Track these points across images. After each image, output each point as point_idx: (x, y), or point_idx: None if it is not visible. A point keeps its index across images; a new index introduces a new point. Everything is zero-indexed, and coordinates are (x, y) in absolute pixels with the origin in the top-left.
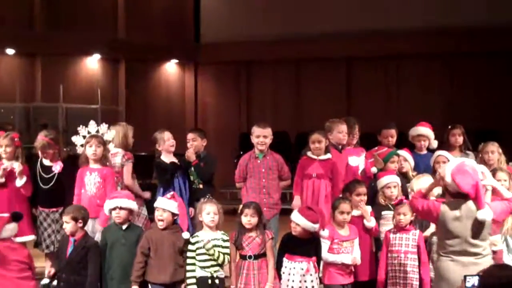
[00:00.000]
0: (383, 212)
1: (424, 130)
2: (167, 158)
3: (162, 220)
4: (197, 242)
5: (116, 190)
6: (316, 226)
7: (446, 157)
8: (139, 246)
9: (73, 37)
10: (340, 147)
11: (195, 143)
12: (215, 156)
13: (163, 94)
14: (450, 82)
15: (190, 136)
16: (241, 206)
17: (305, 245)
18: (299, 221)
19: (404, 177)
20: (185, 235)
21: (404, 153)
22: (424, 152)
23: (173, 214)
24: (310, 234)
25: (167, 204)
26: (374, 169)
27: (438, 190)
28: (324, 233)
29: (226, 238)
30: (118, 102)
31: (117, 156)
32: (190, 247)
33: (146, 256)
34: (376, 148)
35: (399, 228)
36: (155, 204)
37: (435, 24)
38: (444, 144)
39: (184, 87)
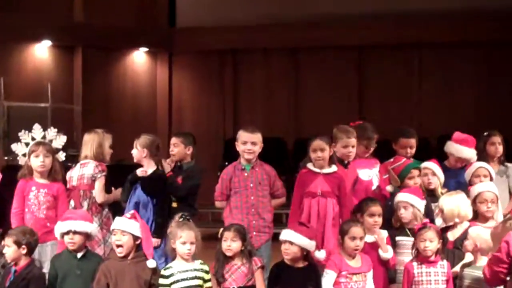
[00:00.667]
0: (397, 238)
1: (468, 153)
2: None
3: (121, 246)
4: (172, 275)
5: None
6: (313, 244)
7: (487, 170)
8: (94, 281)
9: (17, 19)
10: (346, 162)
11: (176, 150)
12: (201, 169)
13: (130, 90)
14: (483, 76)
15: (172, 141)
16: (220, 229)
17: (300, 275)
18: (293, 239)
19: (432, 195)
20: (151, 263)
21: (432, 165)
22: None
23: (135, 238)
24: (305, 261)
25: (126, 225)
26: (389, 188)
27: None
28: (320, 254)
29: (206, 268)
30: (73, 99)
31: (88, 166)
32: (162, 281)
33: None
34: (392, 159)
35: (423, 259)
36: (112, 226)
37: (463, 7)
38: (479, 153)
39: (156, 82)
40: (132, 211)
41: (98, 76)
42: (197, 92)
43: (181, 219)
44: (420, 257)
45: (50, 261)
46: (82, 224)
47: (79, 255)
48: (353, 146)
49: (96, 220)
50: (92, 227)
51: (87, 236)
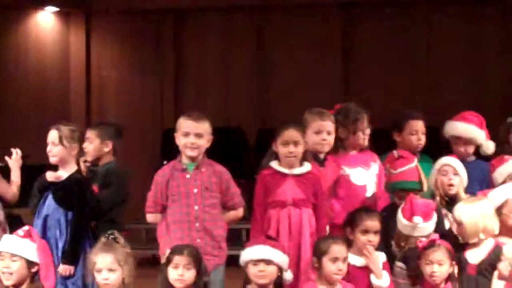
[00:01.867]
0: (396, 263)
1: (465, 130)
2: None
3: (9, 274)
4: None
5: None
6: (287, 260)
7: None
8: None
9: None
10: (321, 156)
11: (90, 147)
12: (125, 172)
13: (33, 64)
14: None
15: (86, 134)
16: (167, 251)
17: None
18: (270, 256)
19: (451, 202)
20: None
21: (453, 161)
22: (471, 158)
23: (30, 264)
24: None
25: (17, 247)
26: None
27: None
28: (287, 275)
29: None
30: None
31: None
32: None
33: None
34: (393, 152)
35: (430, 287)
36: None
37: None
38: (502, 145)
39: (69, 53)
40: (27, 228)
41: None
42: (125, 66)
43: (104, 239)
44: (427, 284)
45: None
46: None
47: None
48: (328, 133)
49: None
50: None
51: None
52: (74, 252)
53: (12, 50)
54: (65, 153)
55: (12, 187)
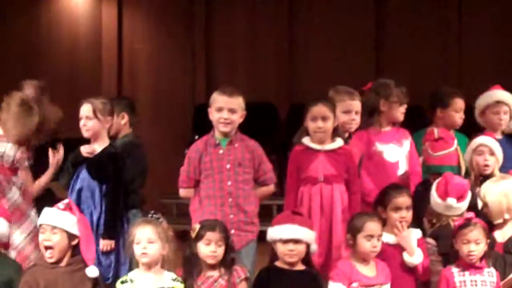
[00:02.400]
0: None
1: (503, 95)
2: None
3: (50, 248)
4: None
5: None
6: (314, 235)
7: None
8: None
9: None
10: (346, 135)
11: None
12: (140, 144)
13: (65, 38)
14: None
15: None
16: (196, 226)
17: (298, 281)
18: (300, 235)
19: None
20: (91, 271)
21: (489, 141)
22: (499, 136)
23: (70, 237)
24: (302, 262)
25: (58, 220)
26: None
27: None
28: (313, 247)
29: (182, 285)
30: None
31: (4, 143)
32: None
33: None
34: (434, 131)
35: (466, 264)
36: (39, 221)
37: None
38: None
39: (101, 27)
40: (67, 200)
41: (21, 19)
42: (157, 41)
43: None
44: (462, 262)
45: None
46: None
47: None
48: (357, 112)
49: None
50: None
51: None
52: (113, 226)
53: (45, 23)
54: (99, 127)
55: (34, 186)
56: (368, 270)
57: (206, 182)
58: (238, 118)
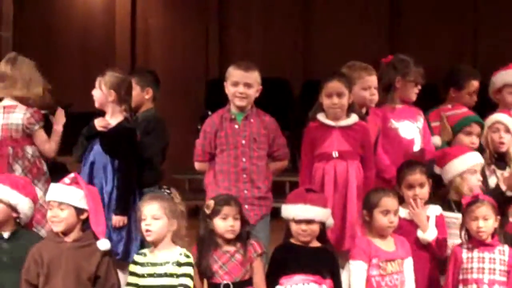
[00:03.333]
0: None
1: None
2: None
3: (59, 222)
4: (145, 264)
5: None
6: (329, 212)
7: None
8: (23, 269)
9: None
10: (363, 111)
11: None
12: (163, 120)
13: (79, 11)
14: None
15: None
16: (211, 202)
17: (314, 258)
18: (312, 215)
19: (500, 159)
20: (102, 244)
21: (504, 118)
22: None
23: (79, 211)
24: (318, 239)
25: (64, 195)
26: (436, 140)
27: None
28: (329, 222)
29: (187, 260)
30: (1, 24)
31: (16, 111)
32: (133, 268)
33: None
34: (449, 106)
35: (476, 242)
36: (46, 197)
37: None
38: None
39: (114, 2)
40: (72, 174)
41: None
42: (170, 14)
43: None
44: (473, 240)
45: None
46: (3, 189)
47: (5, 234)
48: (375, 87)
49: (40, 187)
50: (19, 199)
51: (13, 209)
52: (126, 202)
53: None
54: (101, 98)
55: (51, 142)
56: (386, 245)
57: (221, 157)
58: (254, 92)
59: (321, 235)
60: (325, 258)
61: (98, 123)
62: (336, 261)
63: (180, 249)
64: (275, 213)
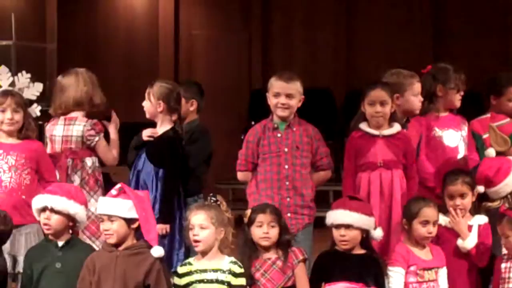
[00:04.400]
0: None
1: None
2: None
3: (111, 235)
4: (188, 273)
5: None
6: (373, 221)
7: None
8: (79, 279)
9: None
10: (404, 120)
11: None
12: (207, 130)
13: (122, 23)
14: None
15: None
16: (248, 211)
17: (358, 265)
18: (351, 221)
19: None
20: (156, 251)
21: None
22: None
23: (129, 221)
24: (362, 246)
25: (112, 208)
26: (490, 151)
27: None
28: (377, 233)
29: (241, 270)
30: (45, 35)
31: (76, 123)
32: (176, 281)
33: None
34: (487, 115)
35: None
36: (97, 211)
37: None
38: None
39: (157, 12)
40: (119, 185)
41: (79, 4)
42: (213, 25)
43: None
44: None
45: (24, 254)
46: (61, 201)
47: (60, 243)
48: (420, 94)
49: (95, 199)
50: (76, 208)
51: (71, 219)
52: (168, 210)
53: (102, 9)
54: (150, 109)
55: (113, 151)
56: (424, 254)
57: (263, 165)
58: (296, 102)
59: (365, 243)
60: (369, 265)
61: (146, 133)
62: (381, 268)
63: (229, 258)
64: (319, 222)
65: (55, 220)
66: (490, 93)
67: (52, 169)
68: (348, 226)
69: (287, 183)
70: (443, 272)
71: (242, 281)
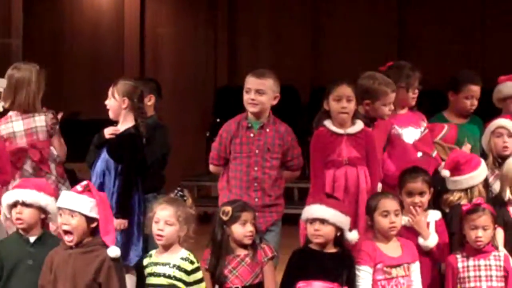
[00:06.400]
0: None
1: None
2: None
3: (69, 233)
4: (148, 265)
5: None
6: (349, 220)
7: None
8: (40, 275)
9: None
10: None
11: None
12: (165, 126)
13: (88, 20)
14: None
15: None
16: (228, 208)
17: (332, 263)
18: (326, 215)
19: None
20: (112, 251)
21: (508, 123)
22: None
23: (89, 220)
24: (335, 245)
25: (76, 203)
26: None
27: None
28: (352, 235)
29: (192, 265)
30: (10, 31)
31: (37, 115)
32: (142, 272)
33: None
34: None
35: (471, 250)
36: (57, 204)
37: None
38: None
39: (123, 11)
40: (85, 182)
41: (44, 2)
42: (179, 23)
43: (172, 195)
44: (468, 247)
45: None
46: (32, 193)
47: (32, 238)
48: (391, 102)
49: (66, 188)
50: (47, 200)
51: (43, 212)
52: (125, 205)
53: (68, 5)
54: (114, 106)
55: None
56: (392, 250)
57: (234, 163)
58: (266, 99)
59: (339, 241)
60: (343, 262)
61: (107, 132)
62: (353, 266)
63: (182, 253)
64: (283, 219)
65: (28, 214)
66: (449, 89)
67: (9, 164)
68: (323, 221)
69: (255, 184)
70: (415, 267)
71: (196, 276)
